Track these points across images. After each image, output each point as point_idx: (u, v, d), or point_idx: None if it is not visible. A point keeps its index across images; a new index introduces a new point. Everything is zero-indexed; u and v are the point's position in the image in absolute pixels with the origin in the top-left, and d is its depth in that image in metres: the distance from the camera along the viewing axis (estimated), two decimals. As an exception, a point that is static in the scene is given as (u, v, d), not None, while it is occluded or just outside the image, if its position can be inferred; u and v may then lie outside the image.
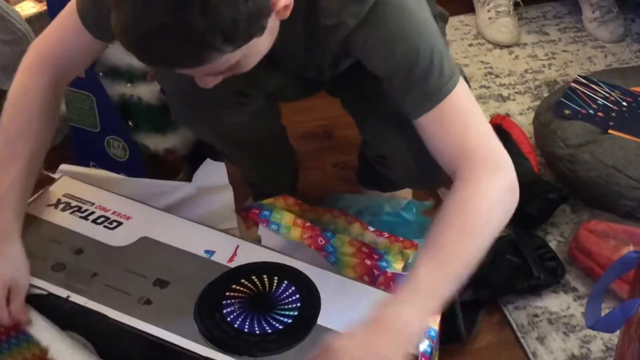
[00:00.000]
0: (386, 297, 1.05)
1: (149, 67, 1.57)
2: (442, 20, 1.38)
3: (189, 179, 1.47)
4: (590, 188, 1.67)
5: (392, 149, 1.32)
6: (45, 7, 1.92)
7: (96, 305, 1.16)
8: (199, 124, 1.41)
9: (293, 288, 1.20)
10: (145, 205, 1.35)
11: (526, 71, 2.17)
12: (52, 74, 1.23)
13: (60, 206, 1.32)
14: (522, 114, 2.01)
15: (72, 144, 1.75)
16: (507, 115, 1.97)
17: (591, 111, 1.77)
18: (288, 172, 1.65)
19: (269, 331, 1.14)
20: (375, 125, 1.29)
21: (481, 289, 1.48)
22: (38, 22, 1.91)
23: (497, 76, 2.15)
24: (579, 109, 1.77)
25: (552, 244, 1.62)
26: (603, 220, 1.59)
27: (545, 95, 2.02)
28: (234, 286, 1.20)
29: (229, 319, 1.15)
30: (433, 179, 1.37)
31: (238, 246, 1.27)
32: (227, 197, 1.36)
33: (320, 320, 1.15)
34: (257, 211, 1.38)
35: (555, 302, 1.53)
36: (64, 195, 1.34)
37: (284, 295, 1.19)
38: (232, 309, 1.16)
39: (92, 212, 1.32)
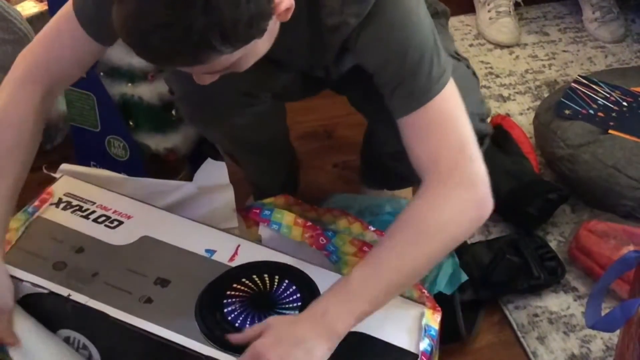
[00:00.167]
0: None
1: (149, 67, 1.57)
2: (443, 17, 1.39)
3: (189, 178, 1.47)
4: (590, 188, 1.67)
5: None
6: (46, 7, 1.92)
7: (97, 304, 1.16)
8: (208, 125, 1.41)
9: (294, 287, 1.20)
10: (146, 204, 1.35)
11: (526, 71, 2.17)
12: (43, 85, 1.19)
13: (62, 205, 1.32)
14: (522, 114, 2.01)
15: (72, 144, 1.75)
16: (508, 115, 1.97)
17: (591, 111, 1.77)
18: (290, 172, 1.65)
19: None
20: (390, 120, 1.28)
21: (481, 289, 1.48)
22: (39, 22, 1.91)
23: (497, 76, 2.15)
24: (579, 109, 1.77)
25: (553, 244, 1.62)
26: (603, 220, 1.59)
27: (546, 95, 2.02)
28: (234, 285, 1.20)
29: (229, 318, 1.15)
30: None
31: (239, 245, 1.27)
32: (227, 196, 1.36)
33: None
34: (257, 211, 1.38)
35: (555, 302, 1.53)
36: (65, 195, 1.34)
37: (285, 294, 1.19)
38: (233, 307, 1.16)
39: (93, 211, 1.32)
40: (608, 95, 1.82)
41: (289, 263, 1.24)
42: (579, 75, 1.91)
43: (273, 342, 1.03)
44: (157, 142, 1.65)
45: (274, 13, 0.97)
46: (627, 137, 1.70)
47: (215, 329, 1.13)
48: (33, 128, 1.19)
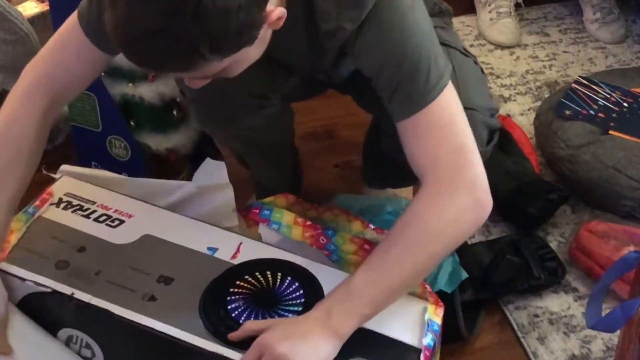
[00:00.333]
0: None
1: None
2: (447, 15, 1.39)
3: (190, 178, 1.47)
4: (590, 188, 1.68)
5: None
6: (47, 7, 1.92)
7: (101, 302, 1.16)
8: (219, 127, 1.42)
9: (296, 284, 1.21)
10: (146, 203, 1.36)
11: (527, 72, 2.17)
12: (48, 98, 1.19)
13: (62, 205, 1.32)
14: (523, 114, 2.01)
15: (73, 144, 1.76)
16: (508, 115, 1.98)
17: (592, 112, 1.77)
18: (294, 173, 1.65)
19: None
20: None
21: (482, 289, 1.48)
22: (40, 22, 1.92)
23: (498, 77, 2.15)
24: (580, 110, 1.78)
25: (553, 245, 1.62)
26: (603, 220, 1.60)
27: (546, 96, 2.02)
28: (238, 282, 1.21)
29: (233, 315, 1.15)
30: None
31: (241, 243, 1.27)
32: (227, 195, 1.36)
33: None
34: (257, 211, 1.38)
35: (555, 302, 1.53)
36: (65, 195, 1.34)
37: (288, 291, 1.20)
38: (237, 305, 1.17)
39: (94, 211, 1.32)
40: (608, 96, 1.82)
41: (291, 260, 1.25)
42: (579, 76, 1.91)
43: (280, 336, 1.05)
44: (158, 142, 1.65)
45: (265, 22, 0.96)
46: (628, 137, 1.70)
47: (220, 326, 1.13)
48: (34, 141, 1.19)
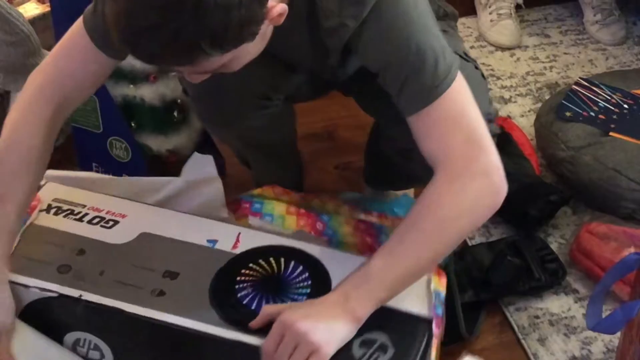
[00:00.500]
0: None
1: (151, 68, 1.58)
2: (451, 19, 1.39)
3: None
4: (591, 190, 1.68)
5: None
6: (48, 8, 1.92)
7: (110, 301, 1.16)
8: (221, 126, 1.42)
9: (301, 267, 1.22)
10: (137, 202, 1.36)
11: (528, 73, 2.17)
12: (55, 104, 1.19)
13: (52, 211, 1.31)
14: (523, 116, 2.01)
15: (74, 145, 1.76)
16: (509, 117, 1.98)
17: (592, 113, 1.77)
18: (296, 173, 1.66)
19: None
20: (398, 118, 1.29)
21: (482, 290, 1.48)
22: (41, 23, 1.92)
23: (498, 78, 2.15)
24: (580, 111, 1.78)
25: (553, 246, 1.62)
26: (604, 222, 1.59)
27: (547, 97, 2.02)
28: (243, 271, 1.22)
29: (245, 302, 1.17)
30: None
31: (239, 233, 1.28)
32: (216, 189, 1.37)
33: None
34: (247, 205, 1.39)
35: (556, 304, 1.53)
36: (53, 200, 1.33)
37: (294, 274, 1.21)
38: (246, 292, 1.18)
39: (86, 214, 1.31)
40: (609, 98, 1.82)
41: (292, 245, 1.26)
42: (580, 78, 1.91)
43: (301, 315, 1.07)
44: (159, 143, 1.66)
45: (266, 18, 0.97)
46: (628, 139, 1.70)
47: (233, 314, 1.14)
48: (41, 148, 1.18)
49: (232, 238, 1.27)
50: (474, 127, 1.10)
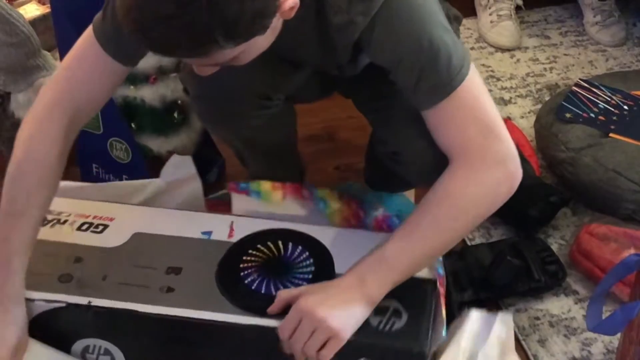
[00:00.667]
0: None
1: (152, 69, 1.58)
2: (456, 22, 1.39)
3: (190, 180, 1.48)
4: (591, 191, 1.68)
5: (408, 143, 1.32)
6: (48, 9, 1.93)
7: (120, 303, 1.16)
8: (220, 125, 1.42)
9: (300, 247, 1.25)
10: (123, 204, 1.36)
11: (528, 74, 2.17)
12: (69, 116, 1.18)
13: None
14: (523, 117, 2.01)
15: (74, 146, 1.75)
16: (509, 118, 1.98)
17: (592, 115, 1.78)
18: (296, 175, 1.65)
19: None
20: (391, 121, 1.30)
21: (481, 290, 1.48)
22: (41, 24, 1.92)
23: (498, 79, 2.15)
24: (580, 113, 1.78)
25: (553, 247, 1.62)
26: (604, 223, 1.59)
27: (547, 98, 2.02)
28: (245, 258, 1.23)
29: (254, 287, 1.18)
30: None
31: (232, 222, 1.30)
32: (195, 188, 1.38)
33: (338, 270, 1.21)
34: (234, 185, 1.40)
35: (556, 305, 1.53)
36: None
37: (294, 255, 1.24)
38: (253, 278, 1.20)
39: (74, 221, 1.31)
40: (609, 99, 1.82)
41: (286, 228, 1.29)
42: (580, 79, 1.91)
43: (318, 301, 1.09)
44: (159, 145, 1.66)
45: (277, 11, 0.97)
46: (628, 140, 1.70)
47: (246, 300, 1.16)
48: (56, 162, 1.18)
49: (226, 227, 1.29)
50: (489, 116, 1.13)
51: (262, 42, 1.02)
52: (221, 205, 1.42)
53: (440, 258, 1.26)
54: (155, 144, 1.66)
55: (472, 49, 2.25)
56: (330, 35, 1.12)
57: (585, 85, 1.86)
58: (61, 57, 1.59)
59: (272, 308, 1.14)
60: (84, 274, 1.22)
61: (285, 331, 1.10)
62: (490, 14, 2.29)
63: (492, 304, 1.51)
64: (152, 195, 1.40)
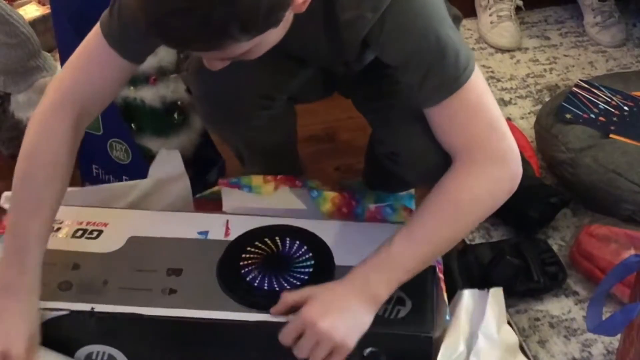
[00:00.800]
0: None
1: (152, 70, 1.58)
2: (456, 21, 1.39)
3: (191, 180, 1.48)
4: (591, 192, 1.68)
5: (407, 144, 1.33)
6: (48, 10, 1.93)
7: (124, 308, 1.16)
8: (223, 125, 1.43)
9: (297, 242, 1.25)
10: (114, 209, 1.36)
11: (528, 75, 2.17)
12: (76, 114, 1.17)
13: None
14: (523, 118, 2.01)
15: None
16: (509, 119, 1.98)
17: (592, 115, 1.77)
18: (296, 175, 1.66)
19: (302, 282, 1.19)
20: (390, 121, 1.30)
21: (480, 288, 1.48)
22: (41, 25, 1.92)
23: (498, 80, 2.15)
24: (581, 113, 1.78)
25: (553, 248, 1.62)
26: (604, 224, 1.59)
27: (547, 99, 2.02)
28: (244, 255, 1.24)
29: (256, 284, 1.19)
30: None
31: (228, 220, 1.31)
32: (183, 185, 1.38)
33: (338, 262, 1.22)
34: (225, 180, 1.40)
35: (556, 306, 1.53)
36: None
37: (293, 250, 1.24)
38: (254, 275, 1.21)
39: (67, 228, 1.30)
40: (609, 100, 1.82)
41: (282, 224, 1.29)
42: (580, 80, 1.91)
43: (321, 310, 1.09)
44: (159, 145, 1.65)
45: (291, 4, 0.97)
46: (628, 141, 1.70)
47: (249, 297, 1.17)
48: (66, 161, 1.18)
49: (221, 227, 1.29)
50: (492, 114, 1.14)
51: (274, 36, 1.02)
52: (210, 204, 1.42)
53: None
54: (155, 144, 1.65)
55: (472, 49, 2.25)
56: (339, 31, 1.12)
57: (585, 86, 1.86)
58: (61, 58, 1.59)
59: (276, 310, 1.14)
60: (83, 280, 1.21)
61: (287, 339, 1.10)
62: (490, 15, 2.29)
63: (492, 304, 1.52)
64: (141, 195, 1.40)
